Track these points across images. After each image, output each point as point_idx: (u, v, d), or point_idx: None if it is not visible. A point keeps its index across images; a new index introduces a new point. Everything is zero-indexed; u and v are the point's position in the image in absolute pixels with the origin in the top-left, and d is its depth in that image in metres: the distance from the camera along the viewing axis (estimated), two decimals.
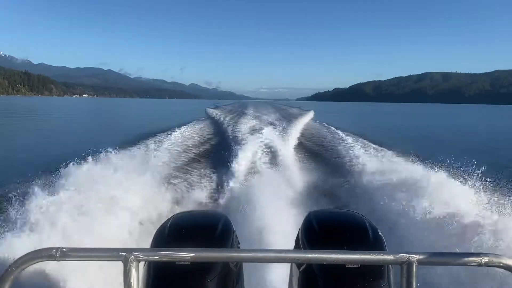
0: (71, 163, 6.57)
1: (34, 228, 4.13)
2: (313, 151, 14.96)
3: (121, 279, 1.25)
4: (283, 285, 2.28)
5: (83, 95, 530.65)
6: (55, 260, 1.25)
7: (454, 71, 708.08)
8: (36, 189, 4.97)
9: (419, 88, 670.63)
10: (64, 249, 1.25)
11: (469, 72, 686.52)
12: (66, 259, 1.26)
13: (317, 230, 1.93)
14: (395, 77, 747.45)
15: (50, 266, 3.22)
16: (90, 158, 7.35)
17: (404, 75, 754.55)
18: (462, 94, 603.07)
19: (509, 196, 5.37)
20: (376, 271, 1.66)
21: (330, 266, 1.66)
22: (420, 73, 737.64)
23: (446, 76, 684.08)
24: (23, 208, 4.55)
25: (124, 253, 1.25)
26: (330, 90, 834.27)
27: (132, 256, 1.25)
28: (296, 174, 10.24)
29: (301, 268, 1.81)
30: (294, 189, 8.13)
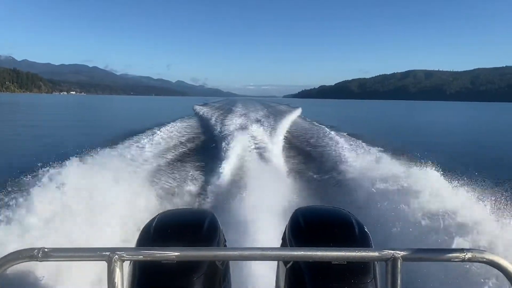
0: (56, 162, 6.49)
1: (15, 229, 4.06)
2: (301, 148, 15.02)
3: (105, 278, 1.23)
4: (270, 282, 2.28)
5: (71, 92, 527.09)
6: (37, 260, 1.23)
7: (437, 69, 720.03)
8: (18, 188, 4.90)
9: (403, 85, 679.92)
10: (46, 250, 1.23)
11: (451, 70, 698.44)
12: (49, 259, 1.23)
13: (304, 227, 1.94)
14: (380, 75, 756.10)
15: (33, 267, 3.17)
16: (75, 156, 7.26)
17: (388, 73, 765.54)
18: (443, 91, 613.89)
19: (492, 193, 5.47)
20: (362, 267, 1.67)
21: (316, 263, 1.67)
22: (404, 71, 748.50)
23: (429, 74, 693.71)
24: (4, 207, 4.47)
25: (107, 253, 1.23)
26: (316, 87, 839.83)
27: (116, 256, 1.23)
28: (283, 171, 10.27)
29: (288, 265, 1.81)
30: (282, 186, 8.14)
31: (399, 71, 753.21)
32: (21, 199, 4.79)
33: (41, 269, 3.25)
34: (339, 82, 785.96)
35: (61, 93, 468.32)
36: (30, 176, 5.99)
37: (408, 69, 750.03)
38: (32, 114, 49.65)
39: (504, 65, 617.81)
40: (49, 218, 4.34)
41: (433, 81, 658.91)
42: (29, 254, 1.22)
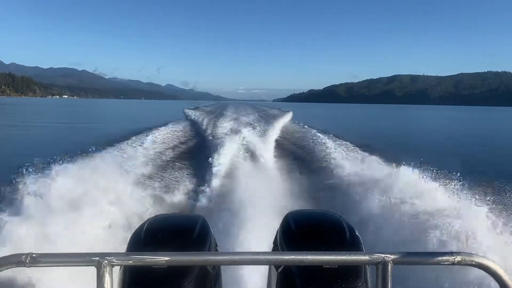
0: (45, 164, 6.43)
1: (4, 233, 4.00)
2: (292, 151, 15.07)
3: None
4: (261, 286, 2.28)
5: (63, 96, 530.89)
6: (25, 266, 1.21)
7: (422, 74, 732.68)
8: (7, 190, 4.85)
9: (389, 89, 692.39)
10: (34, 255, 1.21)
11: (435, 75, 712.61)
12: (37, 265, 1.22)
13: (295, 231, 1.95)
14: (366, 79, 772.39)
15: (21, 273, 3.13)
16: (64, 160, 7.20)
17: (375, 77, 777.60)
18: (427, 95, 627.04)
19: (483, 196, 5.53)
20: (353, 271, 1.68)
21: (307, 267, 1.67)
22: (390, 75, 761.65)
23: (414, 78, 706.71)
24: None
25: (97, 258, 1.22)
26: (305, 91, 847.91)
27: (106, 261, 1.21)
28: (275, 175, 10.28)
29: (279, 270, 1.81)
30: (273, 190, 8.15)
31: (386, 76, 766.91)
32: (8, 202, 4.72)
33: (30, 275, 3.21)
34: (328, 86, 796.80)
35: (54, 97, 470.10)
36: (18, 179, 5.92)
37: (395, 74, 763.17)
38: (32, 116, 49.36)
39: (486, 70, 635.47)
40: (37, 222, 4.28)
41: (418, 85, 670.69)
42: (17, 260, 1.20)
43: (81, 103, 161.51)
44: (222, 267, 2.01)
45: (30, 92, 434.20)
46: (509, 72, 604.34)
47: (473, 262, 1.26)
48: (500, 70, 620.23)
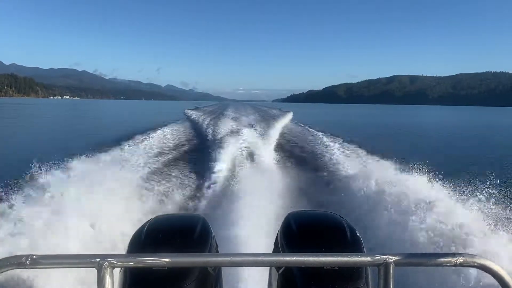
0: (45, 167, 6.43)
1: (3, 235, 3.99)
2: (293, 152, 15.06)
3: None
4: (262, 287, 2.27)
5: (65, 97, 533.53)
6: (25, 268, 1.20)
7: (421, 74, 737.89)
8: (8, 193, 4.84)
9: (388, 90, 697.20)
10: (34, 257, 1.20)
11: (434, 75, 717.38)
12: (37, 266, 1.21)
13: (296, 232, 1.94)
14: (366, 80, 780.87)
15: (21, 274, 3.12)
16: (65, 161, 7.21)
17: (374, 78, 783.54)
18: (426, 96, 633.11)
19: (483, 197, 5.52)
20: (354, 272, 1.67)
21: (308, 268, 1.66)
22: (389, 76, 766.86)
23: (413, 78, 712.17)
24: None
25: (97, 260, 1.21)
26: (304, 92, 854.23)
27: (106, 263, 1.21)
28: (276, 175, 10.27)
29: (280, 271, 1.80)
30: (274, 190, 8.14)
31: (385, 76, 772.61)
32: (9, 203, 4.72)
33: (30, 277, 3.20)
34: (327, 87, 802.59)
35: (56, 98, 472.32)
36: (17, 181, 5.92)
37: (394, 74, 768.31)
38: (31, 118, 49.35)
39: (485, 71, 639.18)
40: (37, 224, 4.28)
41: (417, 85, 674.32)
42: (17, 262, 1.20)
43: (83, 104, 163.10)
44: (223, 268, 2.01)
45: (32, 93, 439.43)
46: (508, 72, 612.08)
47: (475, 263, 1.25)
48: (498, 71, 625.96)
